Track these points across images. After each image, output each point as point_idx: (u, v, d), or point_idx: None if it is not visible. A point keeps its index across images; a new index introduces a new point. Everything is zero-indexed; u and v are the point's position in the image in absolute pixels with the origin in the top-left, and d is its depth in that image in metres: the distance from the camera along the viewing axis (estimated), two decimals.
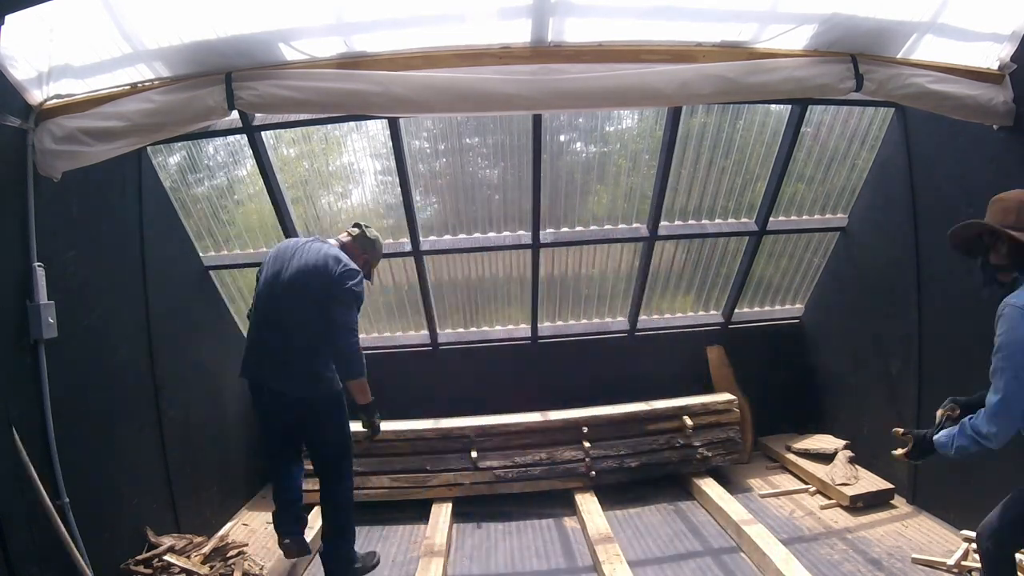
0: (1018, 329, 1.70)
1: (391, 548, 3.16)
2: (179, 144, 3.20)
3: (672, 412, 3.70)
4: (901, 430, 2.06)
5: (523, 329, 4.11)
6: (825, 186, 3.72)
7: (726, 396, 3.85)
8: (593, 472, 3.54)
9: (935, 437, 1.93)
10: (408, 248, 3.58)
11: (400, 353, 4.09)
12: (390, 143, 3.15)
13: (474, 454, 3.55)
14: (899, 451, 2.05)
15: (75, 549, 2.17)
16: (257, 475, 3.92)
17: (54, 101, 2.28)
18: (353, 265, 2.61)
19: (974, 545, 2.62)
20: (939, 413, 2.04)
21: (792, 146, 3.35)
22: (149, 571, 2.56)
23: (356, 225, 2.82)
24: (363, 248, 2.78)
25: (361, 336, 4.03)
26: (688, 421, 3.66)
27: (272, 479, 2.83)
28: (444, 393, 3.99)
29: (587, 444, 3.60)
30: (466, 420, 3.67)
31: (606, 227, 3.72)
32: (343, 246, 2.72)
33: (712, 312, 4.26)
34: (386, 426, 3.61)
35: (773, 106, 3.38)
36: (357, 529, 2.84)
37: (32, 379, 2.19)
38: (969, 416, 1.85)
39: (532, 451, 3.60)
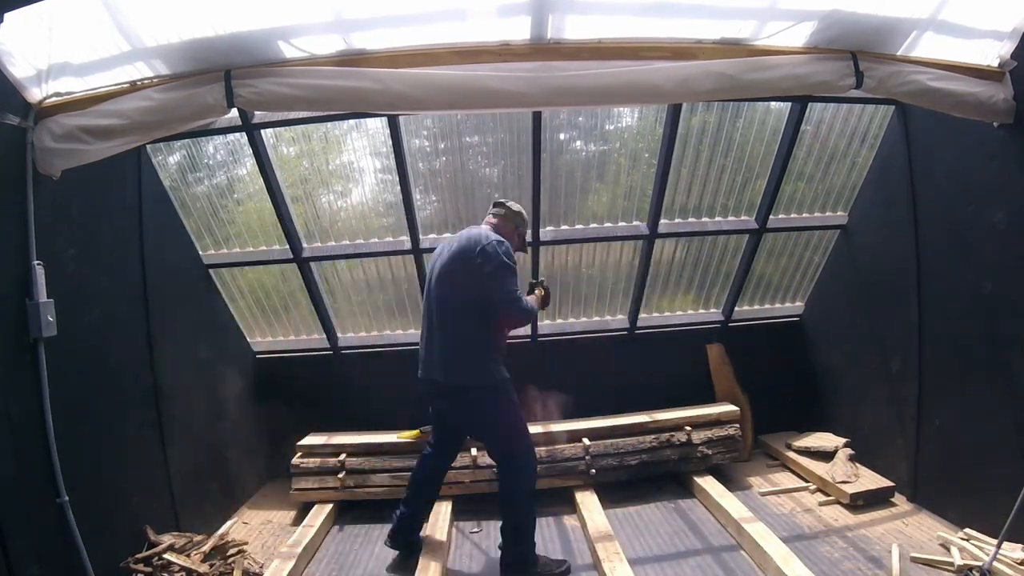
0: None
1: None
2: (179, 143, 3.21)
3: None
4: None
5: (523, 328, 4.11)
6: (825, 184, 3.72)
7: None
8: (593, 470, 3.54)
9: None
10: (408, 246, 3.58)
11: (400, 352, 4.08)
12: (390, 141, 3.16)
13: (474, 452, 3.55)
14: None
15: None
16: (257, 474, 3.93)
17: (53, 99, 2.27)
18: (495, 237, 2.62)
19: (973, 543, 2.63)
20: None
21: (792, 144, 3.35)
22: (149, 570, 2.56)
23: (497, 204, 2.86)
24: (515, 224, 2.84)
25: (360, 334, 4.13)
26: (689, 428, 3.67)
27: (416, 467, 3.01)
28: None
29: (587, 442, 3.60)
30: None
31: (606, 225, 3.72)
32: (494, 227, 2.77)
33: (712, 310, 4.26)
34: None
35: (773, 104, 3.38)
36: (357, 528, 2.84)
37: (32, 378, 2.18)
38: None
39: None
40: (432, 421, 3.00)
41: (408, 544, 2.96)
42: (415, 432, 3.56)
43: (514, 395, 2.73)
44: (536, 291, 2.97)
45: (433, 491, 3.08)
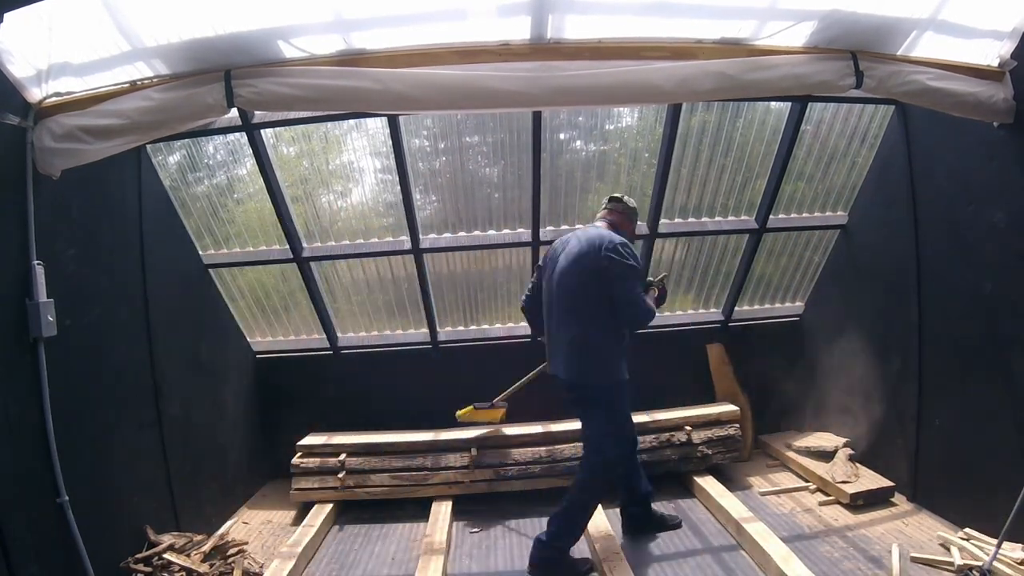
0: None
1: (391, 546, 3.16)
2: (179, 143, 3.21)
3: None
4: None
5: (523, 327, 4.10)
6: (825, 184, 3.72)
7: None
8: None
9: None
10: (408, 246, 3.58)
11: (400, 351, 4.09)
12: (390, 141, 3.15)
13: (474, 451, 3.55)
14: None
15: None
16: (257, 474, 3.93)
17: (53, 99, 2.27)
18: (617, 238, 2.64)
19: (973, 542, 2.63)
20: None
21: (792, 144, 3.35)
22: (149, 569, 2.57)
23: (612, 199, 2.90)
24: (629, 218, 2.89)
25: (360, 334, 4.13)
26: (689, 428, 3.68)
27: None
28: (444, 391, 3.98)
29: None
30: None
31: None
32: (610, 225, 2.82)
33: (712, 310, 4.26)
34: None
35: (773, 104, 3.37)
36: (357, 528, 2.83)
37: (32, 377, 2.18)
38: None
39: (532, 449, 3.60)
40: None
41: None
42: (471, 409, 3.64)
43: (627, 398, 2.83)
44: (652, 290, 3.01)
45: (630, 474, 3.07)
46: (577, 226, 3.69)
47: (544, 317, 2.89)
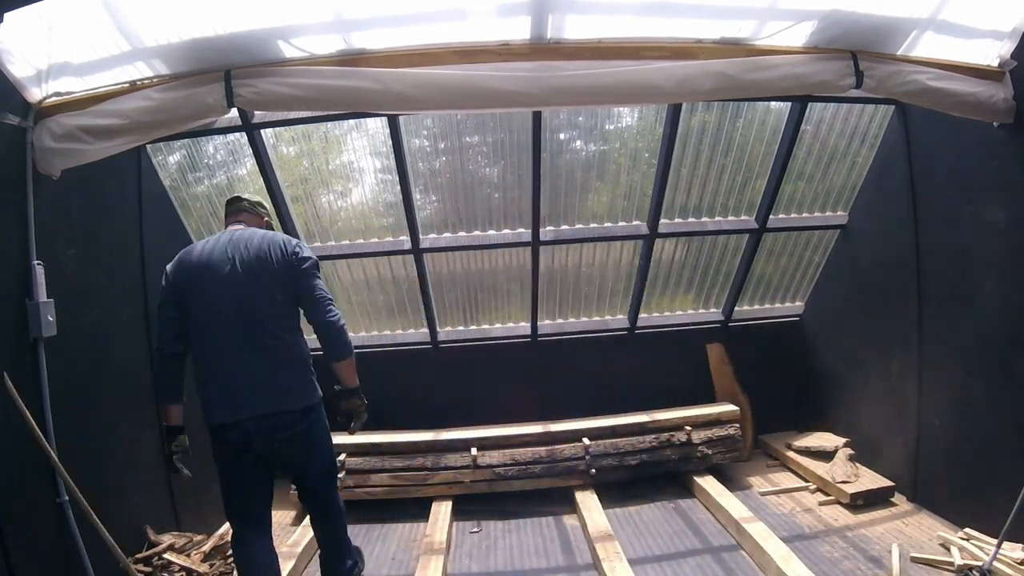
0: None
1: (391, 546, 3.16)
2: (179, 143, 3.21)
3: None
4: None
5: (523, 327, 4.11)
6: (825, 184, 3.72)
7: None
8: (593, 470, 3.54)
9: None
10: (408, 246, 3.58)
11: (400, 351, 4.09)
12: (390, 141, 3.15)
13: (474, 451, 3.55)
14: None
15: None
16: None
17: (53, 99, 2.28)
18: (292, 238, 2.33)
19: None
20: None
21: (792, 144, 3.35)
22: (149, 569, 2.57)
23: (234, 200, 2.46)
24: (260, 216, 2.48)
25: (360, 334, 4.12)
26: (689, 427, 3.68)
27: (244, 558, 2.27)
28: (444, 391, 3.99)
29: (587, 442, 3.60)
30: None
31: (606, 225, 3.71)
32: (258, 226, 2.41)
33: (712, 310, 4.26)
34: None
35: (773, 104, 3.37)
36: (357, 528, 2.83)
37: (32, 377, 2.19)
38: None
39: (532, 449, 3.61)
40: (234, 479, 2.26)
41: None
42: None
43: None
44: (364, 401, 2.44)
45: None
46: (563, 227, 3.68)
47: (214, 347, 2.16)
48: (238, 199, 2.48)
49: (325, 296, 2.23)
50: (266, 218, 2.52)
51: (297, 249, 2.25)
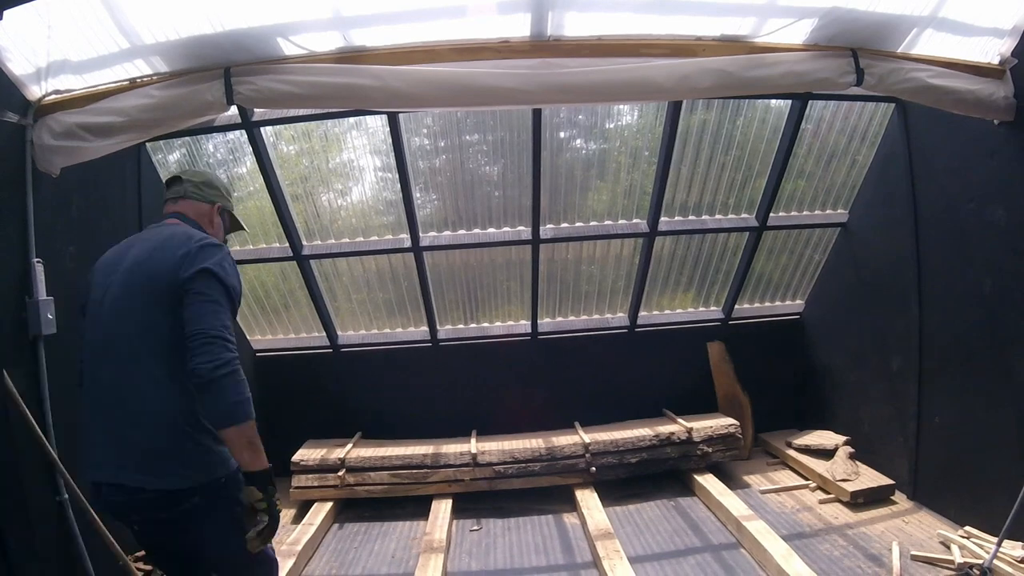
0: None
1: (391, 544, 3.16)
2: (179, 141, 3.21)
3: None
4: None
5: (523, 325, 4.11)
6: (825, 182, 3.71)
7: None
8: (593, 468, 3.54)
9: None
10: (408, 244, 3.58)
11: (400, 349, 4.09)
12: (390, 139, 3.15)
13: (474, 450, 3.55)
14: None
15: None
16: None
17: (52, 97, 2.27)
18: (211, 239, 1.68)
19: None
20: None
21: (792, 142, 3.35)
22: (149, 568, 2.56)
23: (173, 180, 1.85)
24: (209, 202, 1.84)
25: (360, 332, 4.13)
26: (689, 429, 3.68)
27: None
28: (444, 389, 4.00)
29: (587, 439, 3.60)
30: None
31: (606, 223, 3.71)
32: (188, 218, 1.79)
33: (712, 308, 4.26)
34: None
35: (773, 102, 3.37)
36: (357, 526, 2.80)
37: (31, 375, 2.19)
38: None
39: (532, 445, 3.61)
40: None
41: None
42: None
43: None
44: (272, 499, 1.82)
45: None
46: (563, 224, 3.67)
47: (87, 382, 1.71)
48: (177, 179, 1.84)
49: (207, 329, 1.49)
50: (218, 204, 1.85)
51: (194, 252, 1.57)
